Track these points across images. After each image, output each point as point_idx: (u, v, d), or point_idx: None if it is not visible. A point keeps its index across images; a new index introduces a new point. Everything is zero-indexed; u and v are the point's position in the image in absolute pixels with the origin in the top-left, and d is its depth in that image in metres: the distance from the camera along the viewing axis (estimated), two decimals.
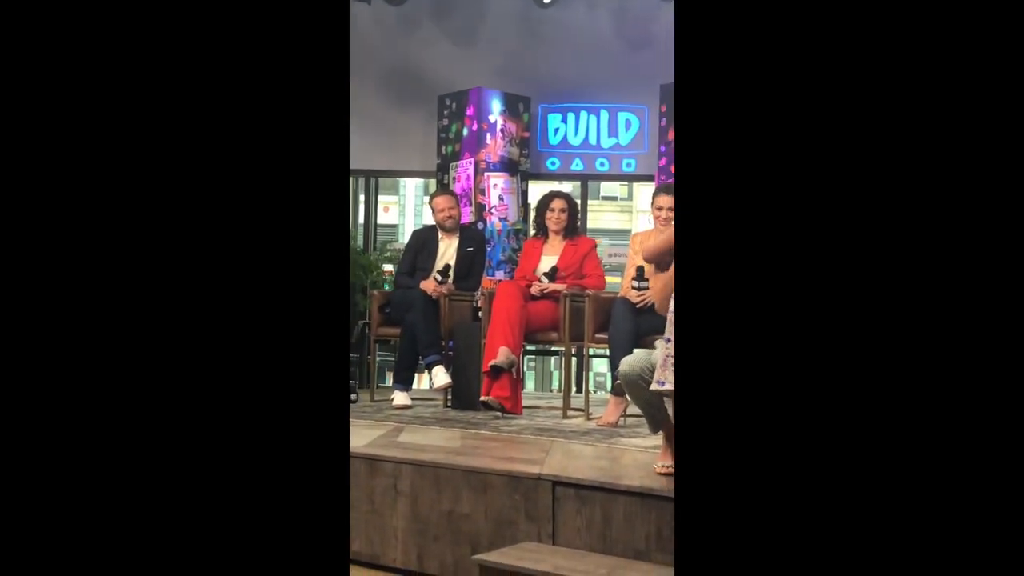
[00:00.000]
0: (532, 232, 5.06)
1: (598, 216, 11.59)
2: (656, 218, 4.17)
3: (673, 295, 3.06)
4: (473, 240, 5.04)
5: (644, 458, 3.26)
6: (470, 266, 4.91)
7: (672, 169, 6.48)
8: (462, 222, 5.40)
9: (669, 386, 2.76)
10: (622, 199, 12.27)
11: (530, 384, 8.40)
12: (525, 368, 8.15)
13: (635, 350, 3.33)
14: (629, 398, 3.23)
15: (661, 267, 3.02)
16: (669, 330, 2.79)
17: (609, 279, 4.97)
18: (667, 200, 4.11)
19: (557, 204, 4.62)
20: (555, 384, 7.66)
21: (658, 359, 2.83)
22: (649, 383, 2.94)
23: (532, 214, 5.23)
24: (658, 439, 3.12)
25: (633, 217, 11.00)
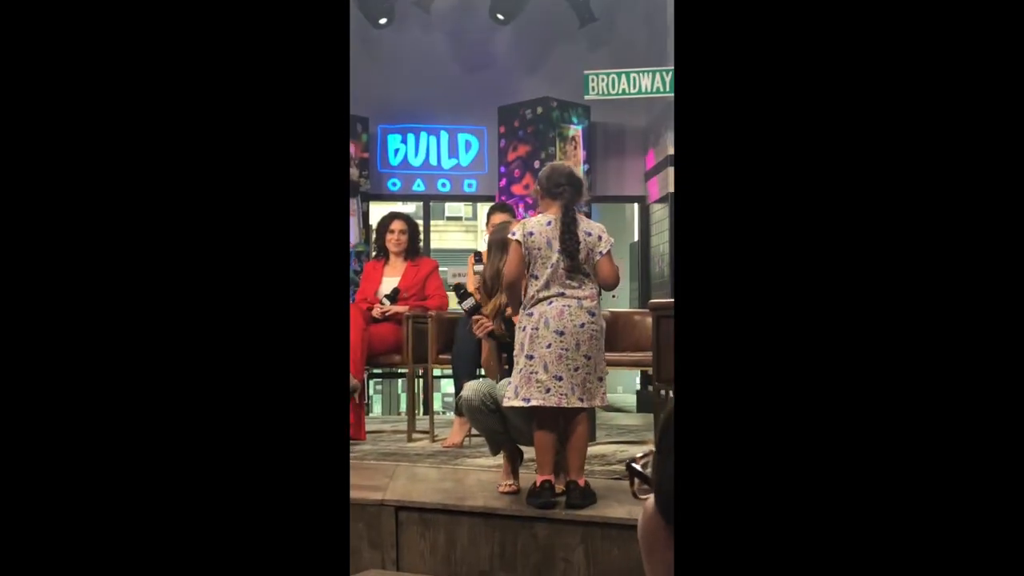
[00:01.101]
0: (373, 254, 5.00)
1: (444, 236, 11.62)
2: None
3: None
4: None
5: (488, 477, 3.26)
6: None
7: (512, 189, 6.57)
8: None
9: (536, 402, 2.77)
10: (467, 219, 12.35)
11: (377, 408, 8.29)
12: (372, 392, 8.04)
13: (477, 380, 3.35)
14: (470, 423, 3.23)
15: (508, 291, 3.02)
16: (529, 347, 2.80)
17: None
18: (502, 217, 4.20)
19: (396, 225, 4.59)
20: (403, 407, 7.58)
21: (516, 377, 2.82)
22: (490, 409, 2.94)
23: (373, 236, 5.19)
24: (501, 459, 3.13)
25: (478, 237, 11.09)
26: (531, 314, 2.82)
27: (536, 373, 2.77)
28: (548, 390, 2.76)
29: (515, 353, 2.85)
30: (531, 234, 2.85)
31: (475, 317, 3.00)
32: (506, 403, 2.82)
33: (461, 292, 3.02)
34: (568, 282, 2.81)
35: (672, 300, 3.55)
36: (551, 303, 2.80)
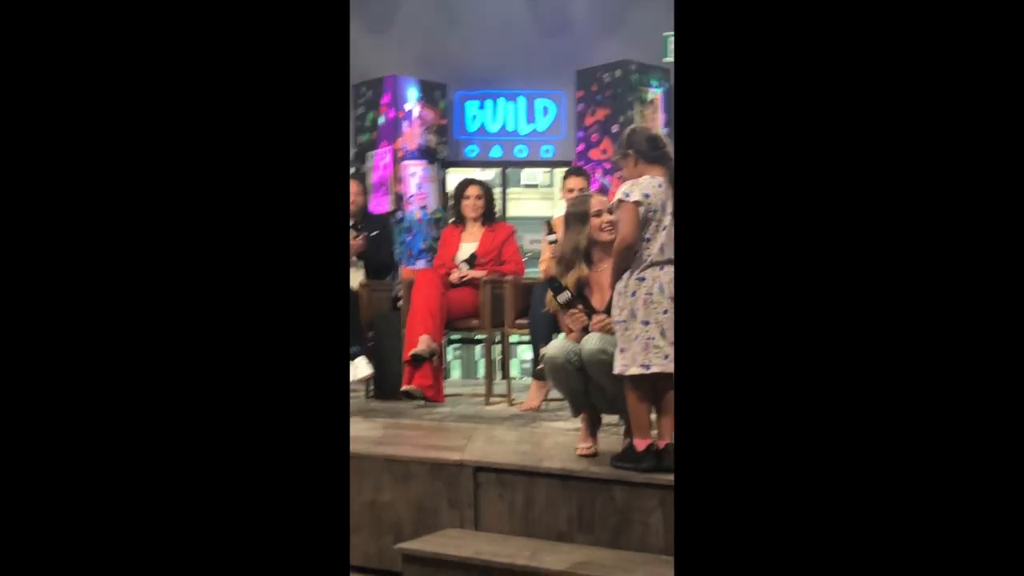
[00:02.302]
0: (450, 220, 5.03)
1: (520, 203, 11.57)
2: (568, 200, 4.20)
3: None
4: (375, 227, 4.95)
5: (566, 440, 3.27)
6: (376, 252, 4.84)
7: (590, 154, 6.53)
8: (380, 211, 5.30)
9: (656, 368, 2.71)
10: (543, 186, 12.28)
11: (456, 372, 8.38)
12: (451, 357, 8.12)
13: (558, 336, 3.31)
14: (552, 383, 3.21)
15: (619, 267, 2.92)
16: (644, 312, 2.75)
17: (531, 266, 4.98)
18: (578, 182, 4.17)
19: (472, 191, 4.60)
20: (480, 372, 7.64)
21: (630, 343, 2.76)
22: (575, 368, 2.91)
23: (450, 202, 5.21)
24: (579, 422, 3.13)
25: (555, 204, 11.02)
26: (643, 279, 2.76)
27: (654, 339, 2.72)
28: (667, 356, 2.71)
29: (624, 319, 2.79)
30: (647, 196, 2.78)
31: (570, 312, 2.95)
32: (624, 371, 2.76)
33: (556, 286, 2.99)
34: None
35: None
36: (663, 268, 2.75)
